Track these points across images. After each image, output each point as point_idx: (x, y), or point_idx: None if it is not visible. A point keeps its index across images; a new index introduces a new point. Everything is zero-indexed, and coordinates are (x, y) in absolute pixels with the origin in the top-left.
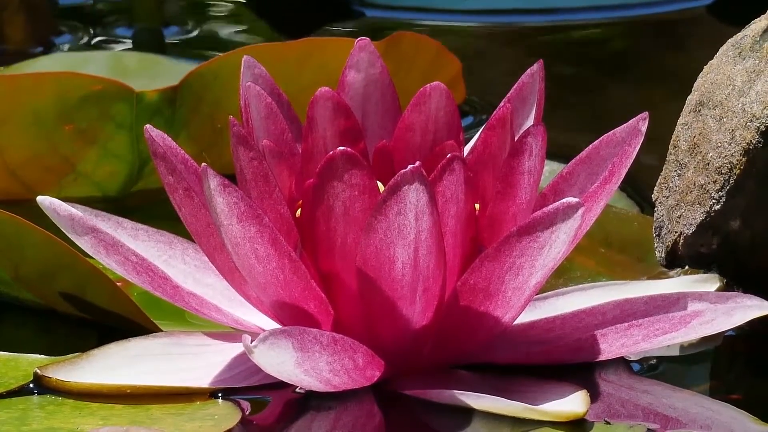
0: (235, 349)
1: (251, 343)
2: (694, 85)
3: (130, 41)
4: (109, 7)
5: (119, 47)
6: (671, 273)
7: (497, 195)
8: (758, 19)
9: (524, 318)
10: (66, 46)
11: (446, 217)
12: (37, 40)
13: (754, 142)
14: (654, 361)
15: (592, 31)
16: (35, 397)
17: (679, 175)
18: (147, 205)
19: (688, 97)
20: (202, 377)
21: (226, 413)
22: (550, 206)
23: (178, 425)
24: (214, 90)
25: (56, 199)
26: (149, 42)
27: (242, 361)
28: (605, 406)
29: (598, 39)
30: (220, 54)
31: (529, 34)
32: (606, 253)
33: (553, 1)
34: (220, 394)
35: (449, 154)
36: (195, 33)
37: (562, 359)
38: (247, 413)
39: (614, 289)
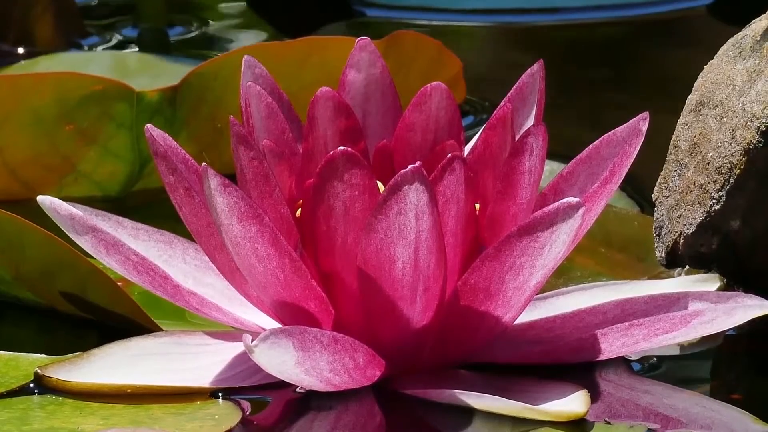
0: (235, 348)
1: (252, 342)
2: (695, 84)
3: (135, 41)
4: (113, 7)
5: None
6: (671, 273)
7: (498, 195)
8: (758, 19)
9: (525, 318)
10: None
11: (446, 217)
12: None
13: (754, 141)
14: (654, 361)
15: (592, 31)
16: (36, 397)
17: (679, 175)
18: (147, 205)
19: (689, 96)
20: (203, 377)
21: (227, 413)
22: (551, 206)
23: (178, 425)
24: (214, 90)
25: (57, 199)
26: (154, 42)
27: (243, 360)
28: (606, 406)
29: (598, 38)
30: (221, 54)
31: (529, 34)
32: (606, 252)
33: (553, 0)
34: (220, 394)
35: (450, 154)
36: (197, 33)
37: (563, 359)
38: (248, 413)
39: (615, 288)
